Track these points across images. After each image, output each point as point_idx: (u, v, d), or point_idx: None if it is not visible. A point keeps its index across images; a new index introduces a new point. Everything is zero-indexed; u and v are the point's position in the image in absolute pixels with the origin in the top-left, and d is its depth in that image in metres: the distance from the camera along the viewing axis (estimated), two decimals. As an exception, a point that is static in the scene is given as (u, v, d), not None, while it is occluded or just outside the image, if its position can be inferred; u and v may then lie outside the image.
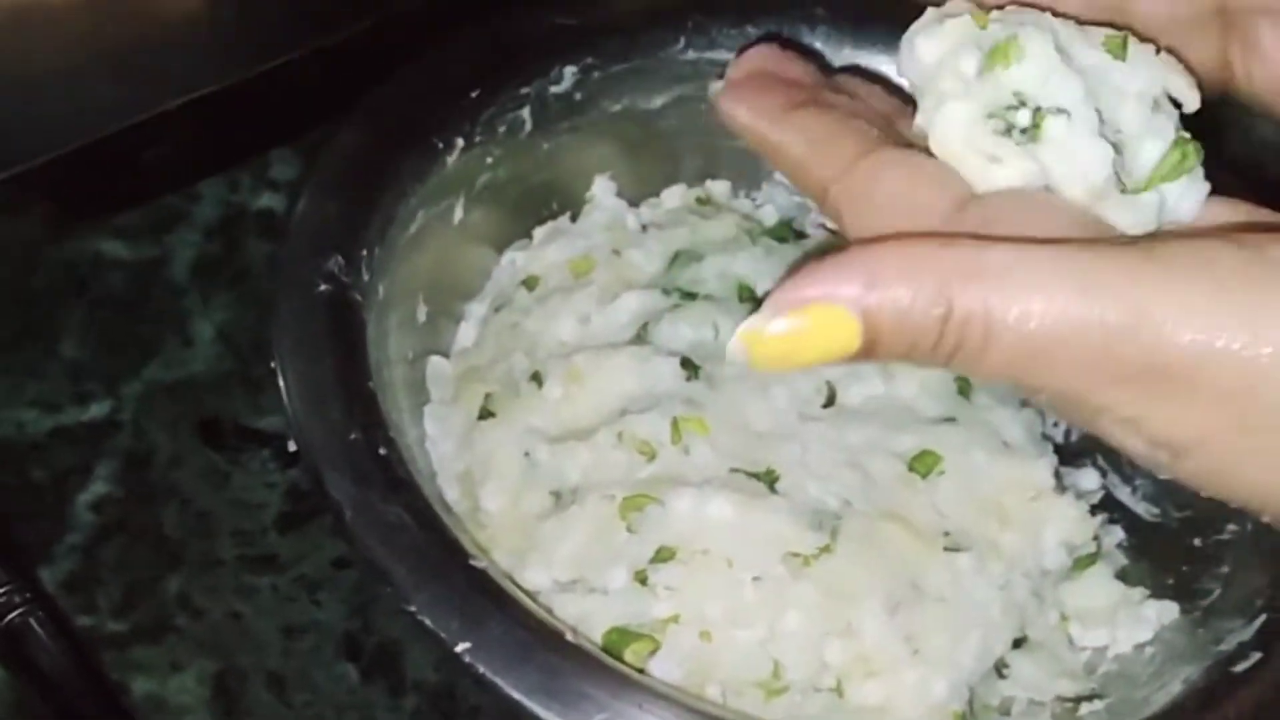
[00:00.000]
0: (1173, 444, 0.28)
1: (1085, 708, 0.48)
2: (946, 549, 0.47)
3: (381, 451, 0.44)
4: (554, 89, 0.55)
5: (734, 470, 0.47)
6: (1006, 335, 0.27)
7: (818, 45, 0.56)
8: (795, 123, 0.36)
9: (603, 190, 0.57)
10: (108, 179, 0.54)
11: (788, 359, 0.28)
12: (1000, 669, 0.49)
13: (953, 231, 0.31)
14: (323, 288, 0.47)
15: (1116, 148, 0.33)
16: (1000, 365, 0.28)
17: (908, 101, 0.37)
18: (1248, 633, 0.46)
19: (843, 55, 0.56)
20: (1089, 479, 0.53)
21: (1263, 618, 0.46)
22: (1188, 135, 0.34)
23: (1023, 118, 0.33)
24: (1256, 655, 0.45)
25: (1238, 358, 0.27)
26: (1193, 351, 0.27)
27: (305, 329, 0.47)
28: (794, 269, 0.28)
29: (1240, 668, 0.45)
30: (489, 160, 0.54)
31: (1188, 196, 0.33)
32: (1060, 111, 0.33)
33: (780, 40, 0.51)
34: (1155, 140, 0.33)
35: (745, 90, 0.37)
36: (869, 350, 0.28)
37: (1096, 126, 0.33)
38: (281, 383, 0.46)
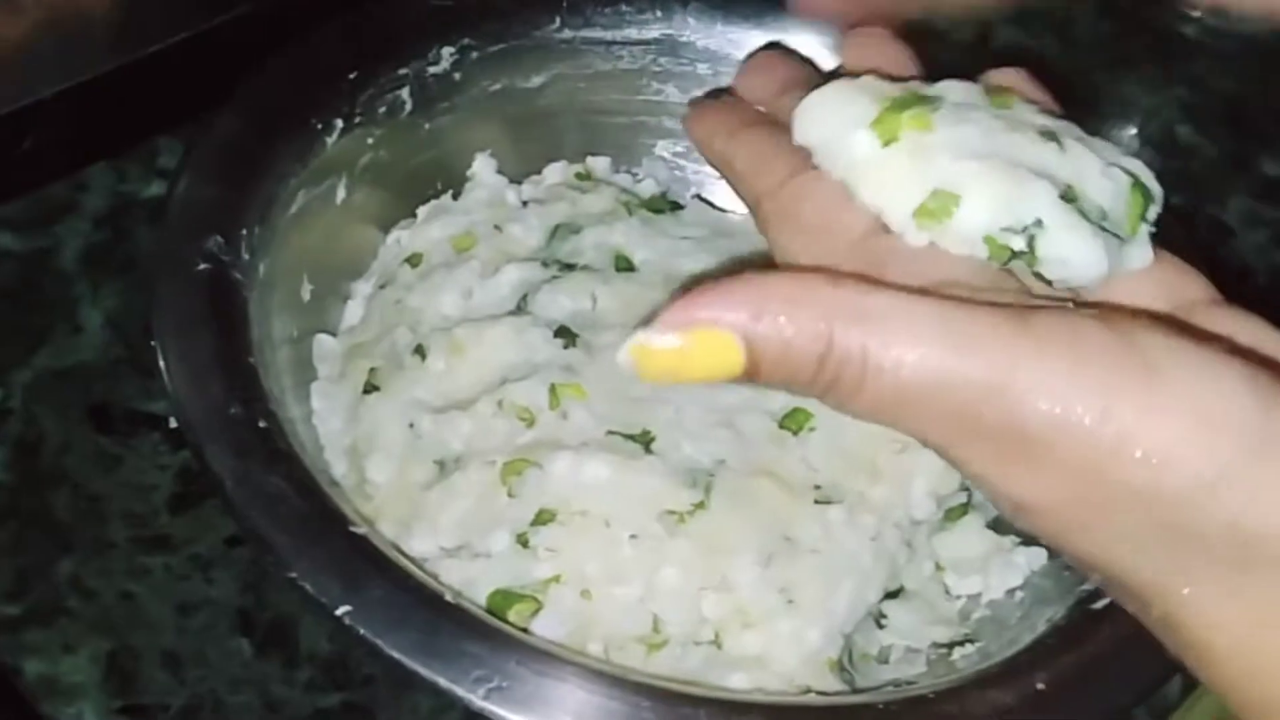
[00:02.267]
0: (1021, 505, 0.30)
1: (958, 652, 0.50)
2: (818, 502, 0.48)
3: (261, 424, 0.45)
4: (432, 70, 0.56)
5: (610, 433, 0.48)
6: (879, 379, 0.29)
7: (690, 21, 0.58)
8: (742, 139, 0.39)
9: (483, 168, 0.58)
10: (-12, 169, 0.54)
11: (673, 375, 0.29)
12: (879, 619, 0.50)
13: (858, 256, 0.33)
14: (202, 267, 0.48)
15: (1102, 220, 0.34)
16: (871, 407, 0.29)
17: None
18: (1108, 572, 0.47)
19: (715, 31, 0.58)
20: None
21: (1122, 558, 0.48)
22: (1134, 172, 0.35)
23: (1017, 243, 0.33)
24: (1115, 593, 0.46)
25: (1087, 434, 0.28)
26: (1048, 422, 0.28)
27: (184, 307, 0.47)
28: (686, 289, 0.29)
29: (1100, 604, 0.46)
30: (370, 141, 0.55)
31: (1141, 243, 0.34)
32: (1039, 224, 0.33)
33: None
34: (1116, 188, 0.34)
35: (706, 108, 0.41)
36: (751, 375, 0.29)
37: (1080, 220, 0.33)
38: (161, 361, 0.46)
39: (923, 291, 0.30)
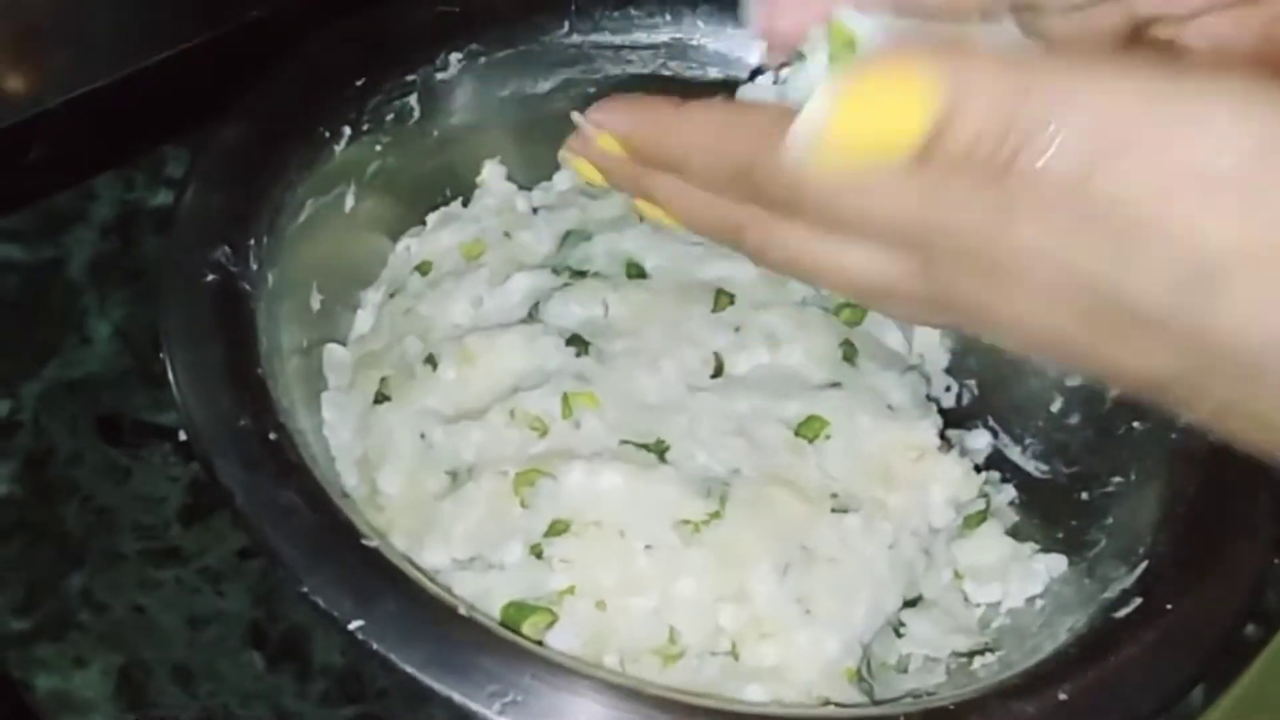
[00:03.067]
0: (1221, 263, 0.27)
1: (979, 661, 0.49)
2: (834, 510, 0.48)
3: (271, 437, 0.45)
4: (440, 76, 0.55)
5: (624, 442, 0.48)
6: (1080, 128, 0.27)
7: (699, 24, 0.57)
8: (659, 184, 0.35)
9: (492, 175, 0.57)
10: (-8, 179, 0.53)
11: (854, 132, 0.27)
12: (897, 628, 0.50)
13: None
14: (210, 278, 0.48)
15: None
16: (1058, 167, 0.27)
17: None
18: (1130, 579, 0.47)
19: (725, 34, 0.57)
20: (979, 440, 0.55)
21: (1143, 564, 0.47)
22: None
23: None
24: (1137, 600, 0.46)
25: None
26: (1250, 159, 0.26)
27: (193, 320, 0.47)
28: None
29: (1122, 613, 0.46)
30: (378, 148, 0.54)
31: None
32: None
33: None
34: None
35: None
36: (935, 138, 0.27)
37: None
38: (170, 372, 0.46)
39: None
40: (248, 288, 0.48)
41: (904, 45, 0.28)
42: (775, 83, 0.36)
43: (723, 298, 0.53)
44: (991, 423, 0.55)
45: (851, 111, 0.27)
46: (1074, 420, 0.54)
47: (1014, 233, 0.28)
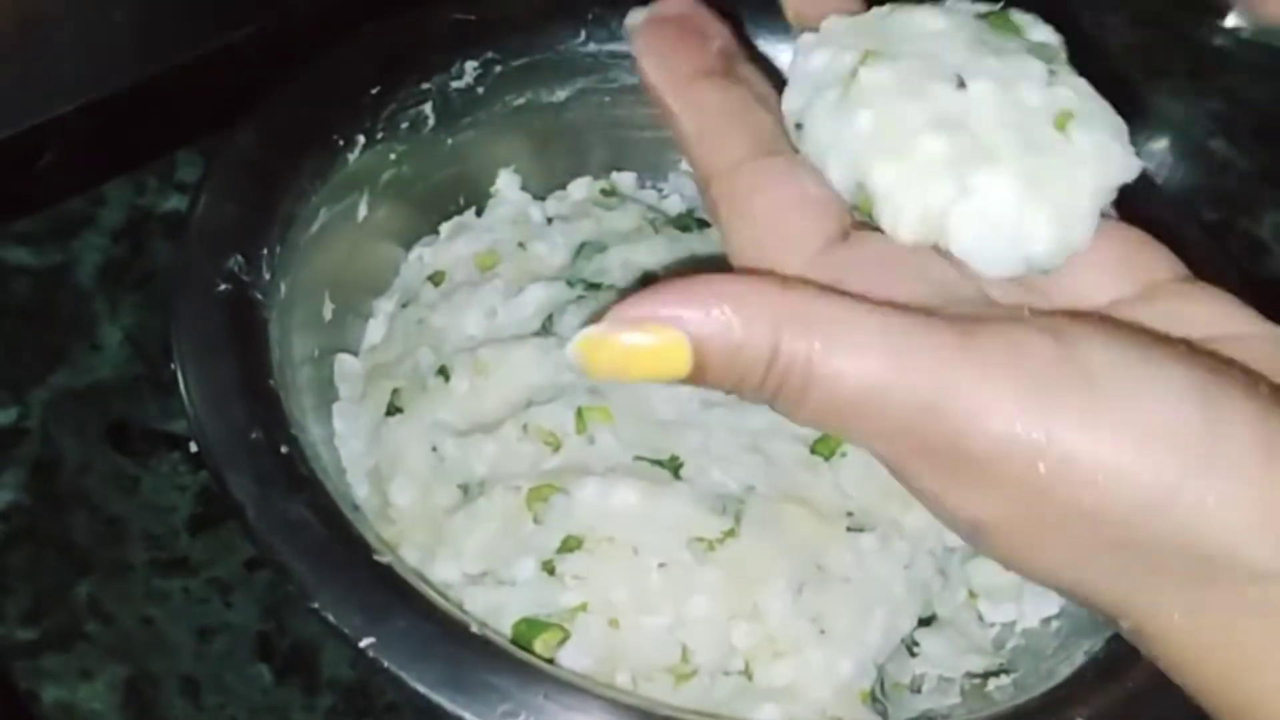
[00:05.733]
0: (969, 523, 0.30)
1: (993, 683, 0.49)
2: (850, 529, 0.47)
3: (283, 450, 0.44)
4: (455, 84, 0.55)
5: (638, 458, 0.48)
6: (822, 388, 0.28)
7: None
8: (696, 97, 0.35)
9: (507, 184, 0.57)
10: (5, 184, 0.53)
11: (620, 371, 0.29)
12: (911, 648, 0.49)
13: (814, 269, 0.31)
14: (222, 287, 0.47)
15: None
16: (815, 415, 0.29)
17: None
18: (1147, 603, 0.46)
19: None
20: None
21: (1162, 587, 0.47)
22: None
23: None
24: (1155, 624, 0.45)
25: (1030, 456, 0.28)
26: (992, 442, 0.28)
27: (205, 329, 0.46)
28: (643, 287, 0.29)
29: (1139, 637, 0.45)
30: (392, 157, 0.54)
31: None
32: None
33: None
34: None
35: (661, 37, 0.36)
36: (697, 377, 0.29)
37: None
38: (182, 384, 0.45)
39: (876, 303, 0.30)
40: (260, 297, 0.48)
41: (650, 299, 0.29)
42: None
43: (738, 312, 0.52)
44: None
45: (611, 356, 0.29)
46: (1091, 439, 0.53)
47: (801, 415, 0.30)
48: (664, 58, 0.35)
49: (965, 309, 0.31)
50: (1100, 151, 0.32)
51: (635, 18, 0.36)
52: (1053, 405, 0.28)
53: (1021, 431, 0.28)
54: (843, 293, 0.30)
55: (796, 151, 0.34)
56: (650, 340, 0.28)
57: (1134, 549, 0.28)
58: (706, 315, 0.28)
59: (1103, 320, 0.31)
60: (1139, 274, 0.33)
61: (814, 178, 0.33)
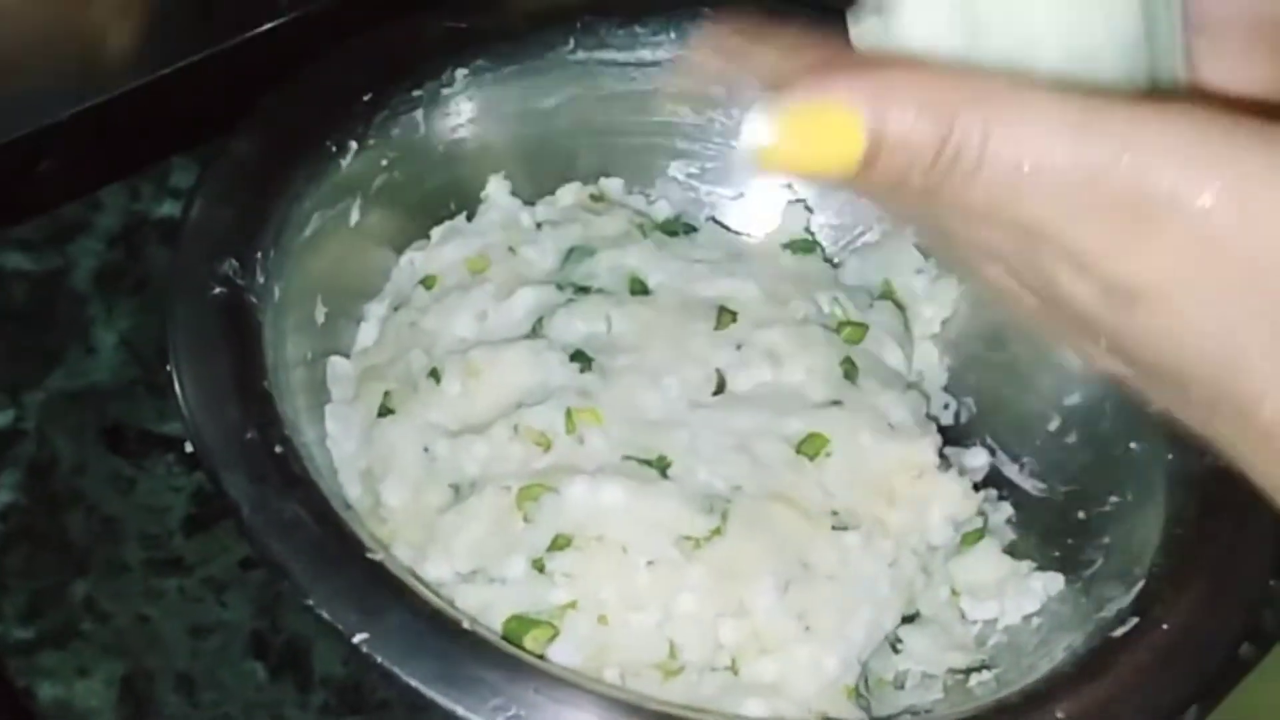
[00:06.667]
0: (1128, 288, 0.28)
1: (975, 678, 0.49)
2: (835, 528, 0.48)
3: (277, 450, 0.45)
4: (446, 91, 0.56)
5: (627, 458, 0.48)
6: (1000, 157, 0.28)
7: (704, 43, 0.57)
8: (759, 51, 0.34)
9: (497, 190, 0.57)
10: (3, 190, 0.54)
11: (791, 161, 0.29)
12: (894, 644, 0.50)
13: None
14: (217, 290, 0.48)
15: None
16: (983, 191, 0.28)
17: None
18: (1126, 599, 0.47)
19: (729, 52, 0.57)
20: (977, 458, 0.55)
21: (1140, 584, 0.47)
22: None
23: None
24: (1134, 620, 0.46)
25: (1208, 208, 0.27)
26: (1168, 194, 0.27)
27: (200, 331, 0.47)
28: (808, 68, 0.28)
29: (1119, 632, 0.46)
30: (384, 163, 0.55)
31: None
32: None
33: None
34: None
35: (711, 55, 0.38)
36: (868, 164, 0.28)
37: None
38: (177, 385, 0.46)
39: None
40: (254, 300, 0.49)
41: (828, 74, 0.28)
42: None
43: (725, 315, 0.53)
44: (989, 441, 0.56)
45: (783, 142, 0.28)
46: (1071, 439, 0.54)
47: (968, 232, 0.30)
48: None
49: None
50: None
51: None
52: (1235, 161, 0.27)
53: (1203, 185, 0.27)
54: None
55: None
56: (825, 124, 0.28)
57: None
58: (882, 96, 0.28)
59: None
60: None
61: None
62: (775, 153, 0.28)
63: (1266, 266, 0.27)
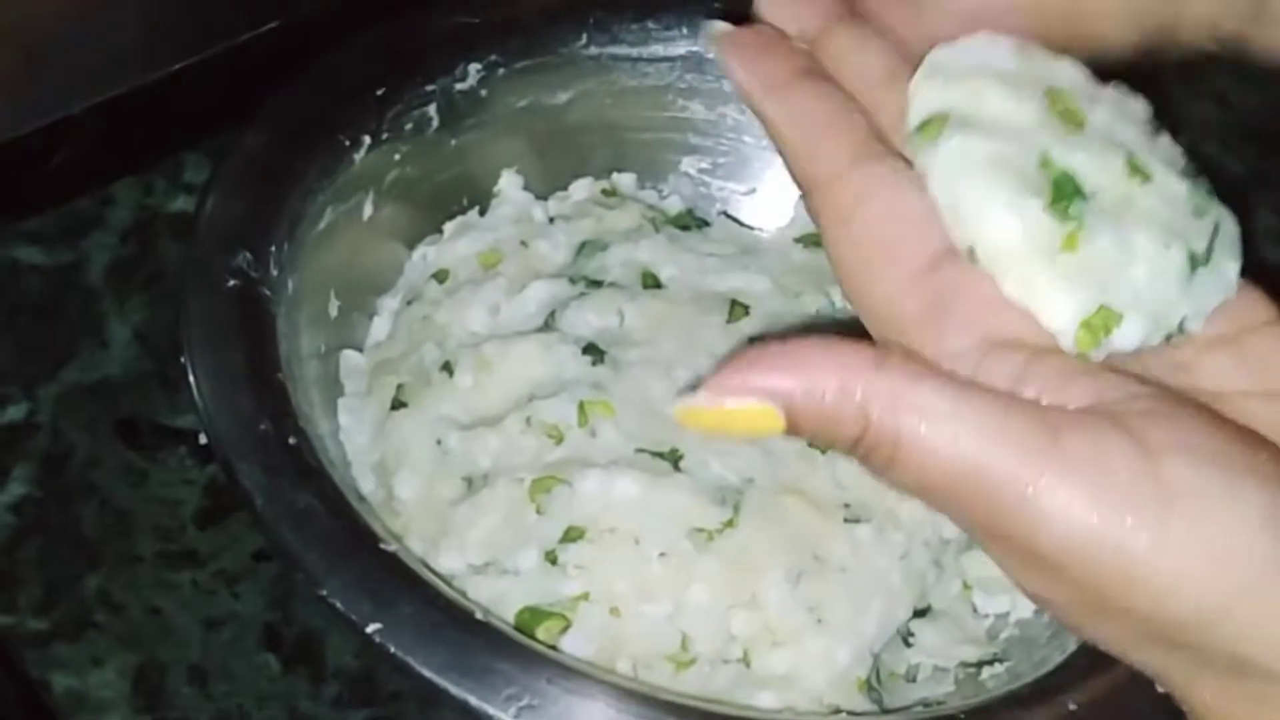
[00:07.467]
0: (1036, 598, 0.32)
1: (987, 671, 0.49)
2: (847, 520, 0.48)
3: (291, 441, 0.45)
4: (459, 86, 0.56)
5: (639, 450, 0.49)
6: (908, 468, 0.30)
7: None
8: (792, 101, 0.34)
9: (510, 184, 0.58)
10: (16, 183, 0.54)
11: (720, 431, 0.30)
12: (906, 638, 0.50)
13: (919, 290, 0.32)
14: (231, 283, 0.48)
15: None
16: (899, 485, 0.30)
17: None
18: (1138, 592, 0.47)
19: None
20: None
21: (1152, 577, 0.47)
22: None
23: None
24: (1146, 613, 0.46)
25: (1098, 563, 0.29)
26: (1062, 542, 0.29)
27: (214, 324, 0.47)
28: (736, 353, 0.30)
29: (1130, 626, 0.46)
30: (397, 157, 0.55)
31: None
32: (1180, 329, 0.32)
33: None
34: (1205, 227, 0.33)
35: (747, 43, 0.35)
36: (791, 434, 0.30)
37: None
38: (191, 377, 0.46)
39: (983, 346, 0.31)
40: (268, 294, 0.49)
41: (745, 367, 0.30)
42: None
43: (738, 309, 0.53)
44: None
45: (710, 420, 0.30)
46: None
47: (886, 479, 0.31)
48: (754, 63, 0.35)
49: (1068, 363, 0.31)
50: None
51: (716, 27, 0.36)
52: (1126, 519, 0.29)
53: (1092, 539, 0.29)
54: (948, 337, 0.31)
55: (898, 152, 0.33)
56: (745, 407, 0.30)
57: (1182, 647, 0.30)
58: (798, 387, 0.29)
59: (1199, 421, 0.31)
60: (1235, 319, 0.33)
61: (916, 188, 0.33)
62: (701, 425, 0.30)
63: (1146, 613, 0.29)
